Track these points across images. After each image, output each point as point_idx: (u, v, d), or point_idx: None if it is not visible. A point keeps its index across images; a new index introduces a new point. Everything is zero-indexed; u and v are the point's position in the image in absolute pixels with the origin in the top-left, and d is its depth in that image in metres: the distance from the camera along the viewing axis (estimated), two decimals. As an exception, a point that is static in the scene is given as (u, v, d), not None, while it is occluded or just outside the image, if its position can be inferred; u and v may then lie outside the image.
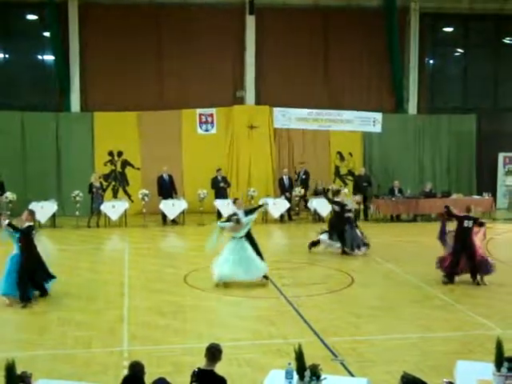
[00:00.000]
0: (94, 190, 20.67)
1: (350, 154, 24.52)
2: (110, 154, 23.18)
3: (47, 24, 22.64)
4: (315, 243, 16.73)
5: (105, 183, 22.49)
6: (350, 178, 24.23)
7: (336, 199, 16.93)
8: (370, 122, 24.35)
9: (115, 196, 22.86)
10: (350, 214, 16.48)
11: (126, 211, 20.73)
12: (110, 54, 23.14)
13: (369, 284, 13.53)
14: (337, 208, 16.65)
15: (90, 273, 14.63)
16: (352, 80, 24.56)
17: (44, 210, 20.12)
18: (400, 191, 22.25)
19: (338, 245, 16.39)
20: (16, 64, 23.71)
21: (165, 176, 21.43)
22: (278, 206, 21.45)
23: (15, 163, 22.23)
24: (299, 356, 6.47)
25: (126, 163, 23.37)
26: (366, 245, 16.37)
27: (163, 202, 20.86)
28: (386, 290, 13.10)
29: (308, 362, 6.48)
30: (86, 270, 14.89)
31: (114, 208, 20.58)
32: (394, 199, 21.86)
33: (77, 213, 20.26)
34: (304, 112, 24.05)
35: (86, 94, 23.32)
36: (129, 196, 22.90)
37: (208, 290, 12.81)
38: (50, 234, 19.47)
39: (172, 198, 21.21)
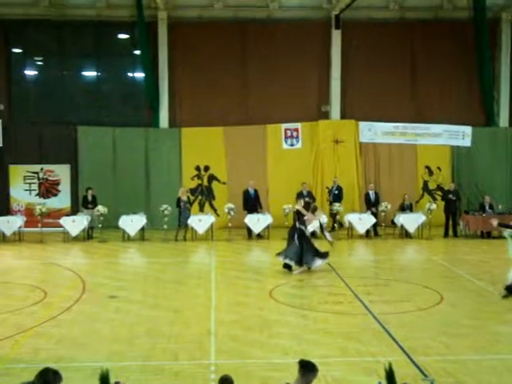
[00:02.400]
0: (182, 204, 21.03)
1: (439, 169, 23.97)
2: (197, 168, 23.55)
3: (137, 43, 23.32)
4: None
5: (192, 197, 22.83)
6: (438, 192, 23.66)
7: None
8: (459, 135, 23.76)
9: (202, 210, 23.19)
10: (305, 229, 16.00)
11: (212, 225, 20.98)
12: (196, 70, 23.63)
13: (459, 302, 13.12)
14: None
15: (177, 285, 14.85)
16: (440, 93, 24.08)
17: (133, 223, 20.65)
18: (491, 207, 21.54)
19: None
20: (108, 82, 24.55)
21: (250, 190, 21.57)
22: (363, 221, 21.17)
23: (107, 177, 22.94)
24: (390, 375, 6.29)
25: (212, 178, 23.68)
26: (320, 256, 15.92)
27: (248, 216, 20.99)
28: (477, 308, 12.67)
29: (398, 382, 6.31)
30: (174, 282, 15.12)
31: (200, 222, 20.87)
32: (484, 215, 21.15)
33: (165, 226, 20.65)
34: (390, 126, 23.73)
35: (174, 110, 23.84)
36: (215, 210, 23.18)
37: (294, 305, 12.75)
38: (139, 247, 19.93)
39: (257, 212, 21.31)
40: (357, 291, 13.76)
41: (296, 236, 15.99)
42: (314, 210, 16.75)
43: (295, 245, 15.90)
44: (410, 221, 21.07)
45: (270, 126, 23.52)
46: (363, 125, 23.72)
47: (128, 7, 22.85)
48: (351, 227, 21.29)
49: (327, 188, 22.76)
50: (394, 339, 10.52)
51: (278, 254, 16.09)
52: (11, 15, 23.33)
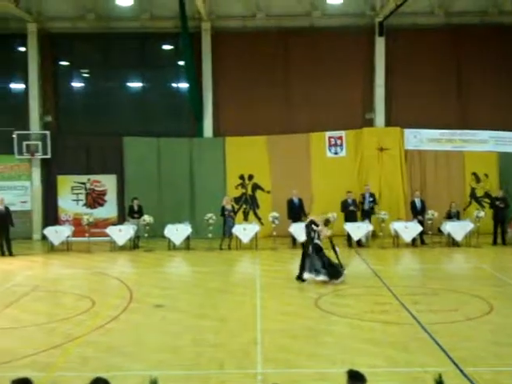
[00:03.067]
0: (226, 212, 21.11)
1: (486, 176, 23.56)
2: (241, 177, 23.63)
3: (182, 53, 23.54)
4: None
5: (236, 206, 22.90)
6: (486, 200, 23.26)
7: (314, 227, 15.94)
8: (506, 141, 23.37)
9: (246, 219, 23.24)
10: (318, 242, 15.77)
11: (256, 234, 21.00)
12: (240, 79, 23.76)
13: (509, 311, 12.82)
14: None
15: (222, 294, 14.89)
16: (486, 98, 23.67)
17: (179, 232, 20.80)
18: (540, 214, 21.08)
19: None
20: (152, 92, 24.84)
21: (295, 199, 21.52)
22: (409, 229, 20.91)
23: (152, 187, 23.19)
24: (440, 386, 6.19)
25: (256, 186, 23.72)
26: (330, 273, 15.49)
27: (293, 225, 20.93)
28: (529, 318, 12.38)
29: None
30: (219, 291, 15.15)
31: (245, 231, 20.91)
32: (534, 222, 20.71)
33: (209, 235, 20.76)
34: (436, 133, 23.48)
35: (218, 120, 23.99)
36: (259, 219, 23.21)
37: (340, 315, 12.64)
38: (185, 256, 20.05)
39: (301, 221, 21.22)
40: (403, 300, 13.57)
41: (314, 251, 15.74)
42: (326, 223, 16.56)
43: (316, 258, 15.65)
44: (458, 229, 20.75)
45: (313, 134, 23.47)
46: (408, 132, 23.50)
47: (172, 18, 23.12)
48: (397, 236, 21.04)
49: (361, 195, 22.44)
50: (442, 349, 10.33)
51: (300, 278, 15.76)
52: (59, 29, 23.85)
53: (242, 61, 23.80)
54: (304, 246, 16.46)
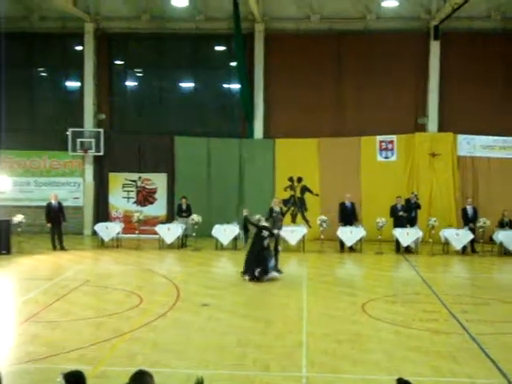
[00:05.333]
0: (274, 214, 21.01)
1: (541, 184, 23.00)
2: (290, 179, 23.60)
3: (234, 54, 23.64)
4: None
5: (284, 208, 22.87)
6: (541, 208, 22.68)
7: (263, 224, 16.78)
8: None
9: (294, 221, 23.21)
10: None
11: (304, 236, 20.95)
12: (291, 81, 23.74)
13: None
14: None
15: (268, 296, 14.92)
16: (544, 105, 23.14)
17: (227, 232, 20.88)
18: None
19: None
20: (204, 93, 25.00)
21: (347, 203, 21.36)
22: (460, 237, 20.56)
23: (201, 187, 23.35)
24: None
25: (305, 189, 23.67)
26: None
27: (341, 228, 20.82)
28: None
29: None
30: (264, 293, 15.22)
31: (292, 233, 20.88)
32: None
33: (257, 236, 20.74)
34: (490, 139, 23.04)
35: (268, 121, 24.01)
36: (307, 221, 23.14)
37: (387, 321, 12.51)
38: (232, 256, 20.10)
39: (352, 225, 21.10)
40: (452, 309, 13.37)
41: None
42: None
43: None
44: (510, 238, 20.31)
45: (364, 138, 23.30)
46: (461, 138, 23.13)
47: (225, 19, 23.24)
48: (447, 243, 20.72)
49: (406, 200, 22.02)
50: (492, 361, 10.12)
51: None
52: (115, 29, 24.25)
53: (294, 63, 23.77)
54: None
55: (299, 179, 23.66)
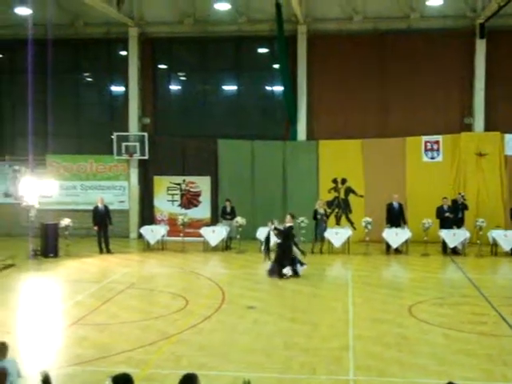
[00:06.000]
0: (319, 216, 21.01)
1: None
2: (334, 181, 23.46)
3: (277, 57, 23.60)
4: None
5: (328, 210, 22.74)
6: None
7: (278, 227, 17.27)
8: None
9: (338, 223, 23.07)
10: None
11: (348, 238, 20.80)
12: (335, 82, 23.63)
13: None
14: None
15: (314, 298, 14.85)
16: None
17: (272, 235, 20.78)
18: None
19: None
20: (247, 95, 25.07)
21: (395, 204, 21.11)
22: (509, 238, 20.13)
23: (245, 189, 23.39)
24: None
25: (349, 190, 23.50)
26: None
27: (386, 230, 20.61)
28: None
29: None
30: (311, 295, 15.12)
31: (337, 235, 20.76)
32: None
33: (301, 238, 20.67)
34: (538, 138, 22.53)
35: (312, 123, 23.92)
36: (351, 223, 22.96)
37: (434, 324, 12.32)
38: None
39: (399, 226, 20.86)
40: (502, 311, 13.09)
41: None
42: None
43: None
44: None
45: (409, 139, 23.00)
46: (509, 137, 22.65)
47: (268, 21, 23.23)
48: (495, 244, 20.32)
49: (452, 201, 21.62)
50: (545, 365, 9.89)
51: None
52: (159, 33, 24.46)
53: (337, 64, 23.64)
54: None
55: (343, 181, 23.50)
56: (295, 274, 16.94)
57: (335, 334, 11.69)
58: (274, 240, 17.71)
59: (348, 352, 10.55)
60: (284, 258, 17.04)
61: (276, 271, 16.97)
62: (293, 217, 17.96)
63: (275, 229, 17.26)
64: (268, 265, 17.42)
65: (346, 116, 23.54)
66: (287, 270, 16.86)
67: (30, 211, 20.09)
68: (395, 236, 20.56)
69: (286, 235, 17.23)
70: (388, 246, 20.74)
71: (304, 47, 23.57)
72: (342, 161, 23.19)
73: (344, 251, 20.72)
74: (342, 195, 23.54)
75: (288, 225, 17.45)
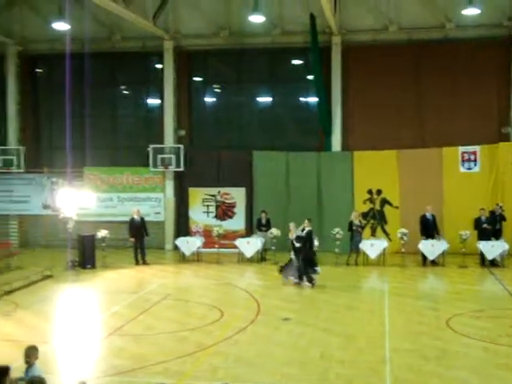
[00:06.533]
0: (354, 228, 20.89)
1: None
2: (369, 192, 23.32)
3: (311, 68, 23.62)
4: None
5: (364, 221, 22.59)
6: None
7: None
8: None
9: (373, 234, 22.91)
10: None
11: (384, 250, 20.64)
12: (369, 93, 23.53)
13: None
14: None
15: (349, 310, 14.74)
16: None
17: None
18: None
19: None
20: (281, 107, 25.14)
21: (428, 215, 20.90)
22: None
23: (280, 200, 23.35)
24: None
25: (384, 201, 23.32)
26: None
27: (422, 242, 20.40)
28: None
29: None
30: (346, 307, 15.02)
31: (372, 246, 20.62)
32: None
33: (336, 250, 20.61)
34: None
35: (346, 134, 23.84)
36: (387, 235, 22.78)
37: (473, 337, 12.12)
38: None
39: (433, 238, 20.64)
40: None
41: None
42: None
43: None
44: None
45: (446, 149, 22.76)
46: (548, 147, 22.30)
47: (302, 33, 23.26)
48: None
49: (490, 212, 21.28)
50: None
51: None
52: (194, 46, 24.67)
53: (371, 74, 23.55)
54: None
55: (378, 192, 23.34)
56: (311, 281, 17.27)
57: (372, 346, 11.60)
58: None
59: (385, 365, 10.44)
60: (304, 263, 17.35)
61: (293, 274, 17.46)
62: (310, 221, 18.18)
63: (297, 237, 17.64)
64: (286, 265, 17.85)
65: (381, 127, 23.41)
66: (306, 275, 17.30)
67: (67, 223, 20.36)
68: (432, 247, 20.33)
69: (306, 240, 17.56)
70: (424, 258, 20.51)
71: (338, 58, 23.54)
72: (377, 172, 23.03)
73: (379, 263, 20.54)
74: (378, 206, 23.37)
75: (307, 229, 17.72)
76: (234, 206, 24.02)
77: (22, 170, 25.26)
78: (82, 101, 24.03)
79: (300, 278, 17.38)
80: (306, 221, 18.05)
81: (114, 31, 24.78)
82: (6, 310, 14.75)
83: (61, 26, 21.47)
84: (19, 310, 14.82)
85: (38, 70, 26.70)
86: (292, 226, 18.09)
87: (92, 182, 24.77)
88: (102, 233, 21.14)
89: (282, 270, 17.92)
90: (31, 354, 7.86)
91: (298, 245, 17.60)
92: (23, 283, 17.54)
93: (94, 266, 20.51)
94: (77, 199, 20.61)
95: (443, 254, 20.40)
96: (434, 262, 20.49)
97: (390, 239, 22.19)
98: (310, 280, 17.29)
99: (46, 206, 25.01)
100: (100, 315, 14.76)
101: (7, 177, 25.42)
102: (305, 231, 17.77)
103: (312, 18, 22.29)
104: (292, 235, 17.81)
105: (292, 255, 17.72)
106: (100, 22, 24.49)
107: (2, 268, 19.93)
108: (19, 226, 25.81)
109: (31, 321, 13.84)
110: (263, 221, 22.07)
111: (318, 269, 17.65)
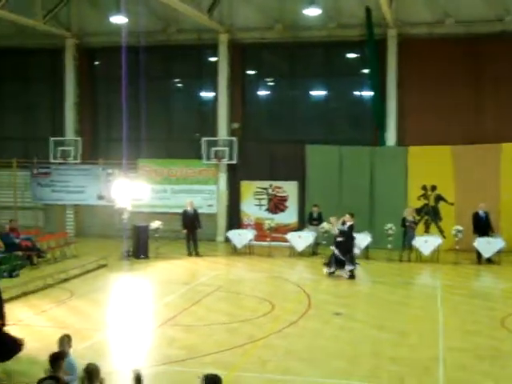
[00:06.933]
0: (407, 223, 20.63)
1: None
2: (424, 188, 22.96)
3: (366, 61, 23.41)
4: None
5: (417, 217, 22.27)
6: None
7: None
8: None
9: (427, 231, 22.56)
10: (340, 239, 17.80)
11: (438, 247, 20.32)
12: (425, 87, 23.19)
13: None
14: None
15: (401, 307, 14.59)
16: None
17: (358, 241, 20.56)
18: None
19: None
20: (335, 101, 25.00)
21: (481, 213, 20.49)
22: None
23: (332, 195, 23.17)
24: None
25: (439, 198, 22.94)
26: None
27: (478, 239, 20.00)
28: None
29: None
30: (398, 303, 14.87)
31: (426, 243, 20.30)
32: None
33: (389, 246, 20.39)
34: None
35: (401, 129, 23.53)
36: (441, 231, 22.41)
37: (529, 337, 11.88)
38: (363, 265, 19.73)
39: (488, 235, 20.23)
40: None
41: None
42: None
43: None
44: None
45: (504, 145, 22.21)
46: None
47: (358, 26, 23.08)
48: None
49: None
50: None
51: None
52: (248, 39, 24.70)
53: (428, 68, 23.17)
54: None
55: (433, 188, 22.96)
56: (352, 275, 17.55)
57: (424, 343, 11.45)
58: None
59: (438, 363, 10.29)
60: (345, 256, 17.62)
61: (336, 267, 17.74)
62: (352, 216, 18.23)
63: (340, 232, 17.92)
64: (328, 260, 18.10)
65: (437, 121, 23.02)
66: (349, 267, 17.53)
67: (122, 213, 20.68)
68: (487, 245, 19.92)
69: (348, 234, 17.77)
70: (479, 256, 20.10)
71: (394, 51, 23.25)
72: (431, 167, 22.63)
73: (433, 260, 20.23)
74: (432, 202, 23.00)
75: (349, 223, 17.90)
76: (285, 200, 24.00)
77: (78, 161, 25.78)
78: (138, 93, 24.33)
79: (340, 269, 17.68)
80: (347, 215, 18.14)
81: (170, 24, 24.99)
82: (61, 297, 15.09)
83: (118, 19, 21.80)
84: (74, 298, 15.15)
85: (95, 63, 27.17)
86: (333, 219, 18.34)
87: (146, 173, 25.08)
88: (155, 224, 21.44)
89: (326, 264, 18.04)
90: (64, 343, 8.03)
91: (340, 239, 17.77)
92: (79, 272, 17.94)
93: (147, 257, 20.81)
94: (131, 190, 20.92)
95: (499, 252, 19.97)
96: (489, 260, 20.08)
97: (444, 236, 21.82)
98: (351, 274, 17.44)
99: (101, 197, 25.45)
100: (153, 305, 14.99)
101: (64, 167, 25.96)
102: (346, 225, 17.88)
103: (368, 10, 22.06)
104: (334, 229, 18.09)
105: (333, 248, 17.89)
106: (156, 15, 24.74)
107: (58, 257, 20.44)
108: (75, 216, 26.39)
109: (86, 309, 14.15)
110: (315, 215, 21.99)
111: (358, 263, 18.09)
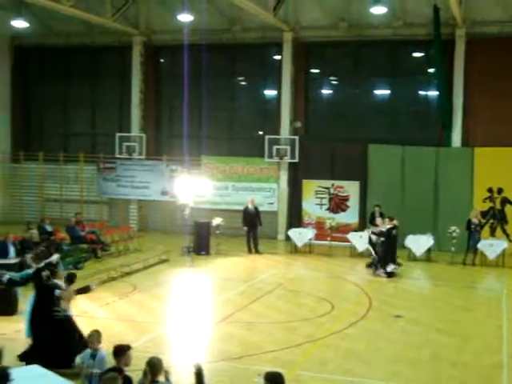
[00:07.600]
0: (472, 226, 20.19)
1: None
2: (490, 190, 22.42)
3: (433, 61, 23.00)
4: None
5: (483, 220, 21.76)
6: None
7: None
8: None
9: (493, 234, 22.03)
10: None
11: (504, 251, 19.82)
12: (494, 87, 22.60)
13: None
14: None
15: (464, 311, 14.31)
16: None
17: (420, 243, 20.34)
18: None
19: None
20: (399, 100, 24.62)
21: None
22: None
23: (394, 195, 22.88)
24: None
25: (505, 201, 22.37)
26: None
27: (545, 244, 19.45)
28: None
29: None
30: (460, 307, 14.59)
31: (491, 247, 19.82)
32: None
33: (452, 249, 20.00)
34: None
35: (467, 129, 23.02)
36: (507, 235, 21.87)
37: None
38: (425, 268, 19.56)
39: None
40: None
41: None
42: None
43: None
44: None
45: None
46: None
47: (425, 25, 22.69)
48: None
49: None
50: None
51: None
52: (312, 37, 24.61)
53: (497, 68, 22.59)
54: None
55: (499, 190, 22.40)
56: (390, 274, 17.85)
57: (488, 349, 11.20)
58: (374, 239, 18.66)
59: (502, 370, 10.06)
60: (387, 256, 18.05)
61: (378, 267, 18.11)
62: (391, 219, 18.66)
63: (378, 233, 18.41)
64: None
65: (505, 123, 22.44)
66: (391, 268, 17.89)
67: (184, 209, 20.92)
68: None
69: (388, 235, 18.09)
70: (547, 261, 19.55)
71: (462, 51, 22.75)
72: (498, 169, 22.08)
73: (498, 264, 19.74)
74: (498, 205, 22.44)
75: (389, 226, 18.28)
76: (347, 199, 23.83)
77: (143, 157, 26.22)
78: (201, 91, 24.58)
79: (378, 267, 18.15)
80: (387, 219, 18.76)
81: (235, 22, 25.12)
82: (124, 290, 15.38)
83: (185, 17, 22.06)
84: (137, 291, 15.42)
85: (160, 60, 27.55)
86: (379, 221, 18.93)
87: (209, 170, 25.30)
88: (216, 220, 21.60)
89: (370, 265, 18.73)
90: (94, 339, 8.11)
91: (381, 239, 18.19)
92: (141, 266, 18.24)
93: (208, 253, 21.00)
94: (194, 187, 21.14)
95: None
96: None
97: (510, 240, 21.30)
98: (390, 273, 17.84)
99: (164, 193, 25.81)
100: (212, 301, 15.11)
101: (130, 163, 26.43)
102: (386, 227, 18.26)
103: (436, 9, 21.67)
104: (379, 230, 18.53)
105: (376, 248, 18.43)
106: (221, 14, 24.90)
107: (122, 250, 20.83)
108: (139, 211, 26.84)
109: (148, 303, 14.37)
110: (376, 215, 21.71)
111: (400, 264, 18.62)
